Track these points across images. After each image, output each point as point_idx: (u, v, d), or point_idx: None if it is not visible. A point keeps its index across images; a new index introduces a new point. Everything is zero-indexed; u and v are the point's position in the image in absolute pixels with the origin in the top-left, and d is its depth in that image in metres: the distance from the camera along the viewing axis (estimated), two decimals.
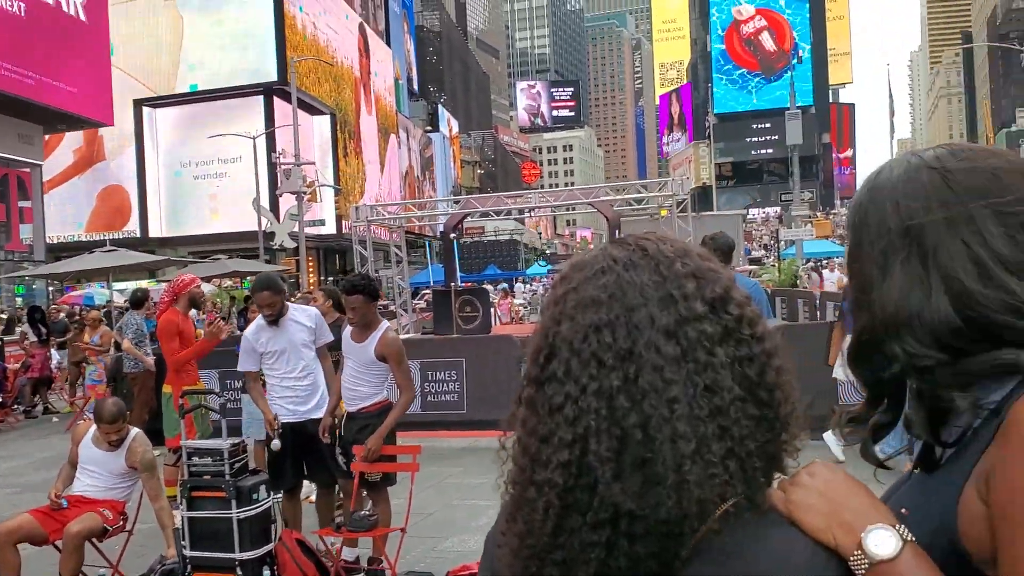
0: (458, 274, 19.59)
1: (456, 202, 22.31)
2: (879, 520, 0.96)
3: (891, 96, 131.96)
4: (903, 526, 0.96)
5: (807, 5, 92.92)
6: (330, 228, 44.17)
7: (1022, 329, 1.00)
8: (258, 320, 6.11)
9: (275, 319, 5.91)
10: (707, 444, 0.93)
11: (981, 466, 1.01)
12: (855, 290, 1.12)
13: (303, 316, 6.12)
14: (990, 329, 1.01)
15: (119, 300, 21.01)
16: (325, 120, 48.21)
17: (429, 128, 77.60)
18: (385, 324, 5.83)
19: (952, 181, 1.05)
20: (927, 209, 1.04)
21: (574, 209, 30.48)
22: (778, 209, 67.92)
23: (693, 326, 0.95)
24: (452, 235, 19.69)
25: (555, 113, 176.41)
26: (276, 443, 5.73)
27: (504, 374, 9.70)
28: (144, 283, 22.73)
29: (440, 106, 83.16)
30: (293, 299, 8.75)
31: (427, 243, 43.08)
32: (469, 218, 21.18)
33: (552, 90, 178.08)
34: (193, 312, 8.03)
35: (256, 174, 32.33)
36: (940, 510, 1.03)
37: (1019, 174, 1.05)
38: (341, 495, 6.40)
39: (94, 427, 5.68)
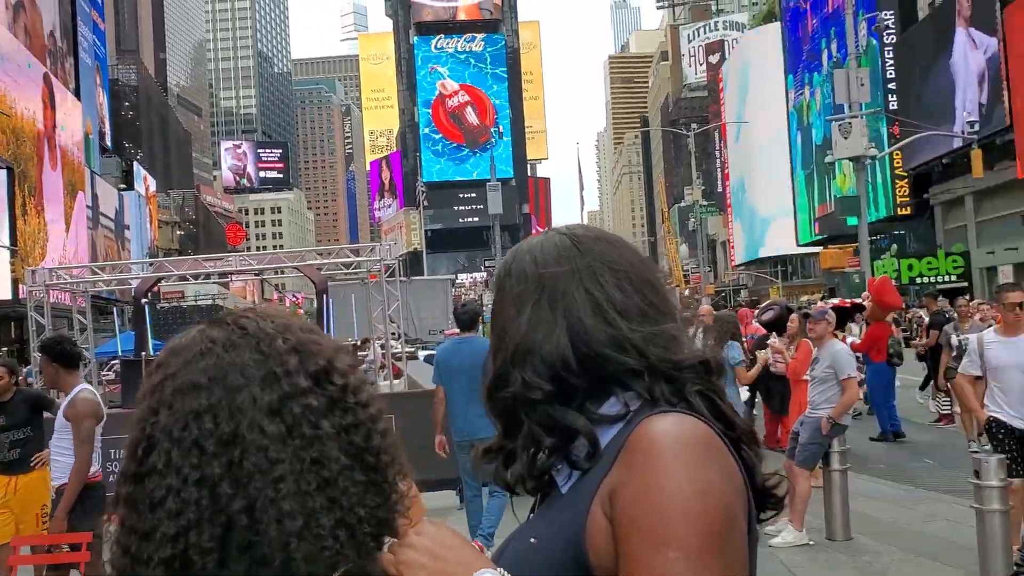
0: (150, 342, 18.33)
1: (151, 264, 21.08)
2: (482, 567, 1.03)
3: (580, 172, 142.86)
4: (501, 569, 1.04)
5: (506, 84, 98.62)
6: (5, 293, 40.03)
7: (619, 360, 1.17)
8: None
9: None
10: (316, 518, 0.93)
11: (606, 484, 1.10)
12: (495, 333, 1.28)
13: None
14: (596, 361, 1.18)
15: None
16: (0, 175, 43.80)
17: (123, 186, 72.83)
18: (80, 386, 5.40)
19: (578, 243, 1.26)
20: (558, 262, 1.24)
21: (282, 273, 29.79)
22: (484, 274, 70.84)
23: (297, 401, 0.95)
24: (144, 300, 18.52)
25: (263, 174, 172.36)
26: None
27: None
28: None
29: (136, 163, 78.49)
30: None
31: (115, 310, 40.07)
32: (166, 282, 20.06)
33: (259, 151, 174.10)
34: None
35: None
36: (567, 532, 1.12)
37: (629, 248, 1.29)
38: None
39: None
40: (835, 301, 15.41)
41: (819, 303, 17.57)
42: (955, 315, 12.51)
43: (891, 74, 56.48)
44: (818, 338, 7.31)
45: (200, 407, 0.94)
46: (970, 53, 47.69)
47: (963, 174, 44.43)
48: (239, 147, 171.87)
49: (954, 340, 10.65)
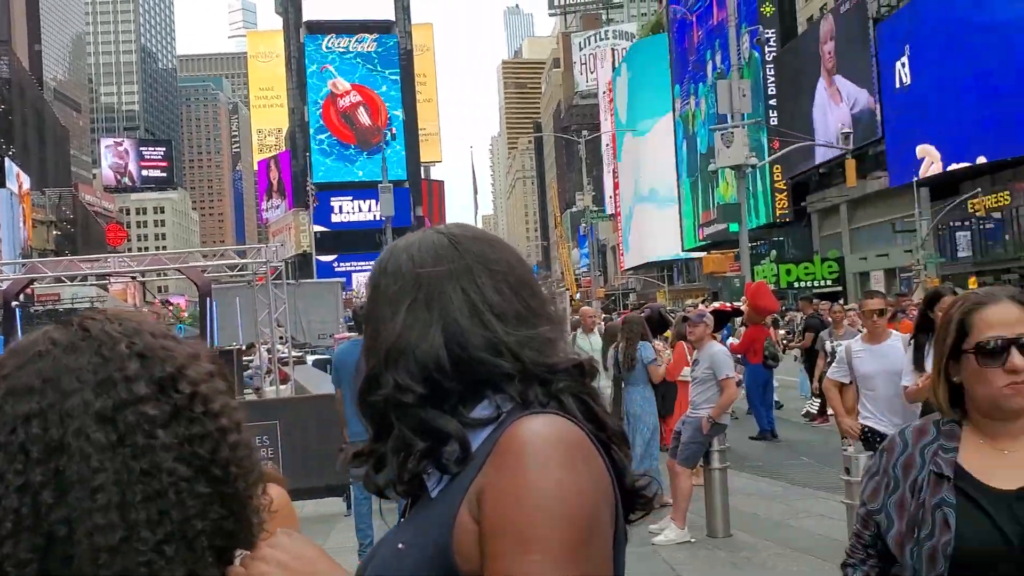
0: None
1: (23, 265, 20.13)
2: None
3: (474, 176, 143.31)
4: None
5: (399, 85, 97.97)
6: None
7: (494, 364, 1.17)
8: None
9: None
10: (138, 531, 0.89)
11: (474, 486, 1.10)
12: (368, 334, 1.25)
13: None
14: (471, 364, 1.17)
15: None
16: None
17: None
18: None
19: (456, 243, 1.24)
20: (436, 261, 1.22)
21: (165, 275, 28.76)
22: None
23: (133, 409, 0.92)
24: (15, 303, 17.65)
25: (146, 173, 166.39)
26: None
27: None
28: None
29: (8, 159, 74.70)
30: None
31: None
32: (41, 283, 19.19)
33: (142, 148, 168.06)
34: None
35: None
36: (435, 536, 1.11)
37: (506, 248, 1.28)
38: None
39: None
40: (716, 305, 15.87)
41: (700, 306, 18.08)
42: (830, 320, 12.76)
43: (772, 89, 58.61)
44: (697, 340, 7.50)
45: (30, 411, 0.91)
46: (830, 106, 50.26)
47: (838, 184, 46.51)
48: (120, 144, 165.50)
49: (828, 346, 10.97)
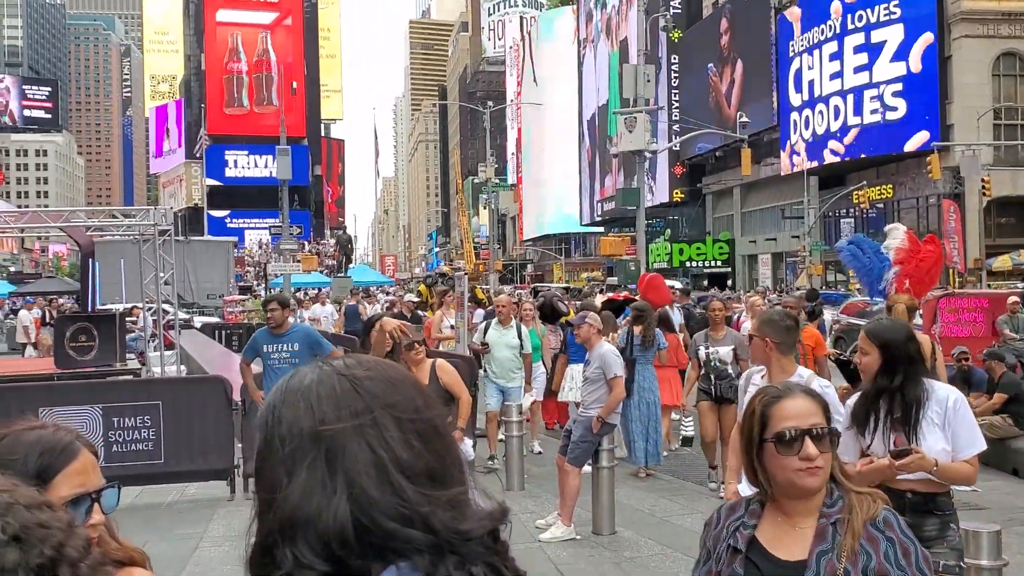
0: None
1: None
2: None
3: (376, 138, 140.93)
4: None
5: (303, 40, 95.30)
6: None
7: (404, 536, 1.04)
8: None
9: None
10: None
11: None
12: (262, 491, 1.11)
13: None
14: (379, 536, 1.04)
15: None
16: None
17: None
18: None
19: (359, 387, 1.11)
20: (338, 414, 1.08)
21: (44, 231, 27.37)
22: (269, 235, 68.09)
23: None
24: None
25: (28, 113, 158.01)
26: None
27: None
28: None
29: None
30: None
31: None
32: None
33: (24, 87, 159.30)
34: None
35: None
36: None
37: (410, 387, 1.15)
38: None
39: None
40: (609, 295, 16.09)
41: (597, 295, 18.33)
42: (709, 318, 9.38)
43: (676, 70, 59.44)
44: (584, 341, 7.56)
45: None
46: (729, 91, 51.07)
47: (734, 167, 47.72)
48: (1, 81, 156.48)
49: (702, 352, 8.66)
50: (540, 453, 10.62)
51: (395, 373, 1.17)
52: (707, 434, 8.71)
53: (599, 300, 14.88)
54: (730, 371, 8.48)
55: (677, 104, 57.49)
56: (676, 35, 56.27)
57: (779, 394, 2.18)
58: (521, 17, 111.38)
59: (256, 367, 8.51)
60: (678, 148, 52.63)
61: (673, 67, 58.62)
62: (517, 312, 11.06)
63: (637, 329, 9.64)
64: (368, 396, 1.11)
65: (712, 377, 8.55)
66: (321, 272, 49.14)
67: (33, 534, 0.88)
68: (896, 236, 10.37)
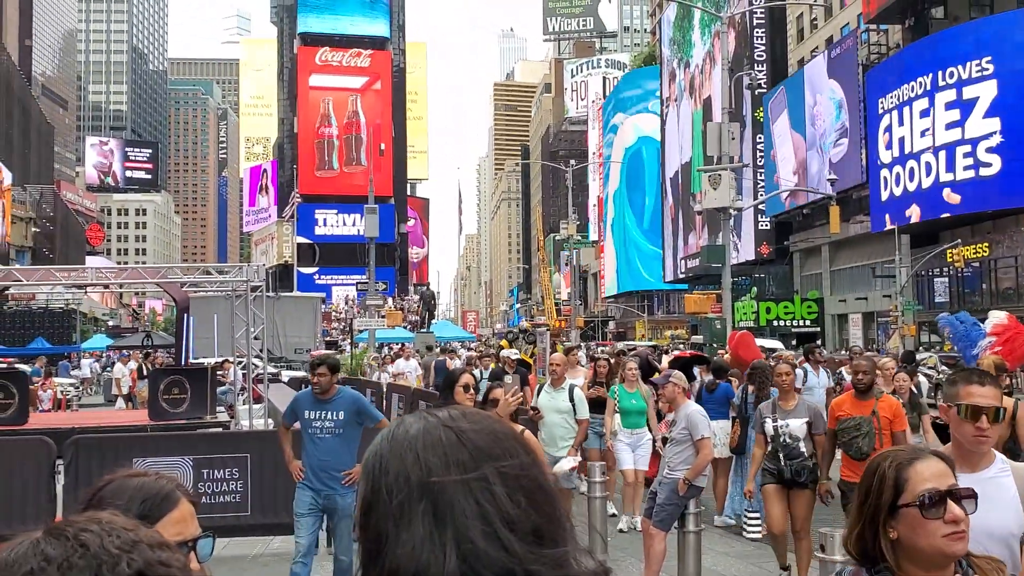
0: None
1: None
2: None
3: (460, 195, 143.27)
4: None
5: (391, 103, 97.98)
6: None
7: None
8: None
9: None
10: None
11: None
12: (368, 541, 1.10)
13: None
14: None
15: None
16: None
17: None
18: None
19: (464, 438, 1.09)
20: (445, 466, 1.07)
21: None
22: (355, 291, 69.47)
23: None
24: None
25: (130, 174, 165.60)
26: None
27: (34, 482, 8.55)
28: None
29: None
30: None
31: None
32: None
33: (127, 149, 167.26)
34: None
35: None
36: None
37: (513, 442, 1.13)
38: None
39: None
40: (675, 354, 15.86)
41: (671, 353, 18.05)
42: (777, 387, 7.77)
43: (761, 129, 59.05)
44: (670, 400, 7.41)
45: None
46: (817, 148, 50.54)
47: (821, 224, 46.84)
48: (106, 144, 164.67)
49: (769, 426, 7.43)
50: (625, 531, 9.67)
51: (499, 427, 1.15)
52: (774, 525, 7.47)
53: (666, 360, 14.62)
54: (803, 449, 7.26)
55: (762, 160, 57.02)
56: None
57: (912, 456, 2.10)
58: (604, 78, 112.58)
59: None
60: (764, 207, 52.00)
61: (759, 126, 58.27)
62: (620, 373, 10.24)
63: (751, 387, 9.43)
64: (473, 449, 1.09)
65: (781, 456, 7.29)
66: (405, 327, 49.72)
67: (155, 572, 0.90)
68: (997, 316, 10.64)
